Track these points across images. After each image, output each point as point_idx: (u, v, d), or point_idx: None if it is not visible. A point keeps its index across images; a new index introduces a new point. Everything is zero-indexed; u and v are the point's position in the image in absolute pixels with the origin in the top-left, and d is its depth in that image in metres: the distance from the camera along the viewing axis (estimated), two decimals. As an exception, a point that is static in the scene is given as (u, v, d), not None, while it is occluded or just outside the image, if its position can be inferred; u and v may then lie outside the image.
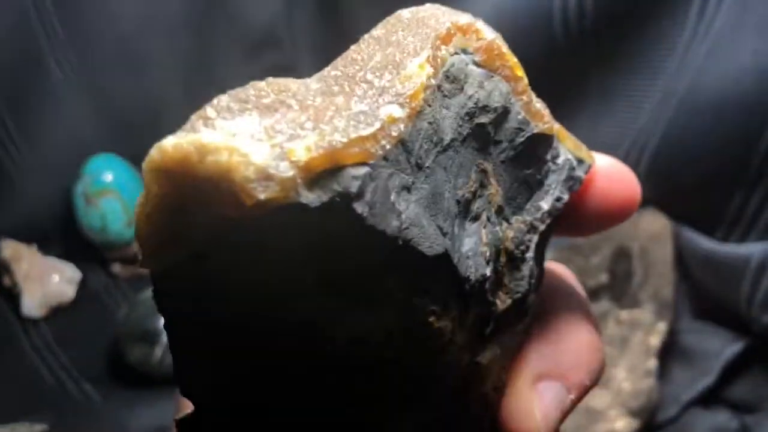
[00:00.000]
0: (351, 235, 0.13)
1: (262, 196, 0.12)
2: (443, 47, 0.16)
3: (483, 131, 0.16)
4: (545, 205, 0.18)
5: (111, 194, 0.58)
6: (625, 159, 0.45)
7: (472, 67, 0.16)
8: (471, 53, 0.16)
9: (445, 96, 0.16)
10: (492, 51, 0.17)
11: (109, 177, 0.58)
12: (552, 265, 0.21)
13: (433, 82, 0.15)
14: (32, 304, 0.58)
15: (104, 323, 0.57)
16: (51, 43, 0.54)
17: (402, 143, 0.14)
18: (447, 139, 0.15)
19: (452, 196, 0.16)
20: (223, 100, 0.14)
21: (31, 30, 0.52)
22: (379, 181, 0.14)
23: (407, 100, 0.14)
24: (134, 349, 0.51)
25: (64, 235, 0.61)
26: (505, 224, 0.17)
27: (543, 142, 0.18)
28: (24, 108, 0.55)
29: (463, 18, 0.17)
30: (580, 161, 0.18)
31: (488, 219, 0.17)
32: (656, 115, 0.42)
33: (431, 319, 0.15)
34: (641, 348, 0.46)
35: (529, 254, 0.18)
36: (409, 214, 0.14)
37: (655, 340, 0.46)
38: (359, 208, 0.13)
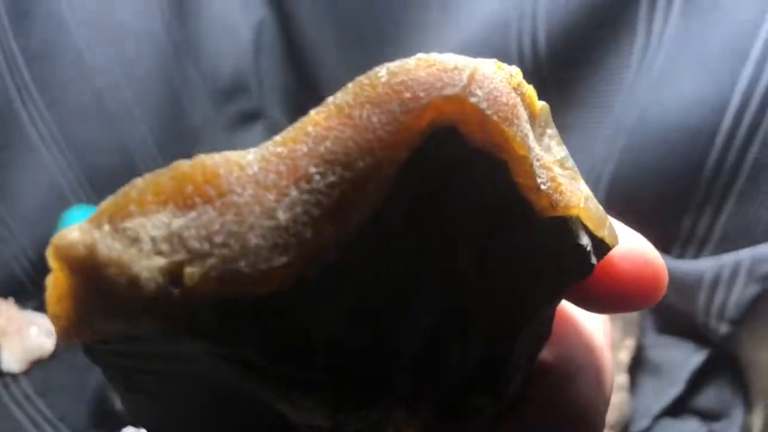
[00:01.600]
0: (253, 360, 0.12)
1: (150, 323, 0.11)
2: (413, 133, 0.13)
3: (463, 222, 0.14)
4: (542, 293, 0.15)
5: (89, 244, 0.58)
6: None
7: (456, 148, 0.13)
8: (457, 131, 0.13)
9: (410, 190, 0.13)
10: (484, 129, 0.13)
11: (86, 228, 0.58)
12: (582, 319, 0.19)
13: (388, 182, 0.12)
14: (11, 359, 0.57)
15: (86, 373, 0.57)
16: (23, 97, 0.55)
17: (331, 267, 0.12)
18: (406, 243, 0.13)
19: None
20: (138, 187, 0.12)
21: (4, 86, 0.53)
22: (290, 310, 0.12)
23: (343, 217, 0.12)
24: (121, 397, 0.51)
25: (40, 286, 0.61)
26: (486, 320, 0.15)
27: (548, 226, 0.15)
28: None
29: (451, 86, 0.13)
30: (599, 243, 0.16)
31: (465, 329, 0.15)
32: (610, 145, 0.46)
33: (359, 427, 0.14)
34: (612, 365, 0.48)
35: (512, 345, 0.16)
36: (334, 337, 0.13)
37: (625, 356, 0.48)
38: (255, 337, 0.12)
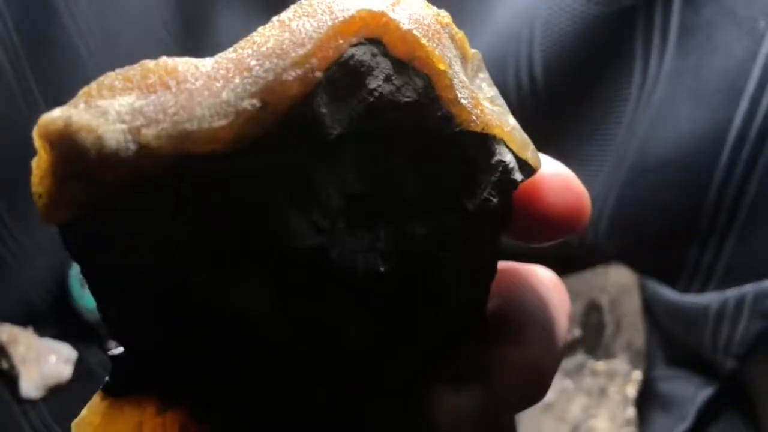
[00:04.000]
0: (202, 222, 0.14)
1: (111, 176, 0.13)
2: (340, 37, 0.15)
3: (389, 126, 0.16)
4: (470, 205, 0.17)
5: (104, 274, 0.60)
6: (586, 219, 0.47)
7: (380, 58, 0.15)
8: (382, 44, 0.15)
9: (339, 88, 0.15)
10: (406, 43, 0.16)
11: (102, 258, 0.60)
12: (536, 273, 0.20)
13: (318, 74, 0.15)
14: (30, 386, 0.59)
15: (101, 400, 0.58)
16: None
17: (263, 137, 0.14)
18: (334, 133, 0.15)
19: (339, 191, 0.15)
20: (110, 77, 0.15)
21: (20, 117, 0.54)
22: (231, 172, 0.14)
23: (273, 94, 0.14)
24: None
25: (59, 315, 0.62)
26: (416, 220, 0.16)
27: (470, 139, 0.17)
28: (16, 192, 0.57)
29: (376, 4, 0.15)
30: (523, 163, 0.18)
31: (393, 214, 0.16)
32: (611, 178, 0.45)
33: (304, 310, 0.15)
34: (619, 397, 0.48)
35: (445, 252, 0.17)
36: (272, 208, 0.14)
37: (632, 389, 0.47)
38: (203, 198, 0.14)
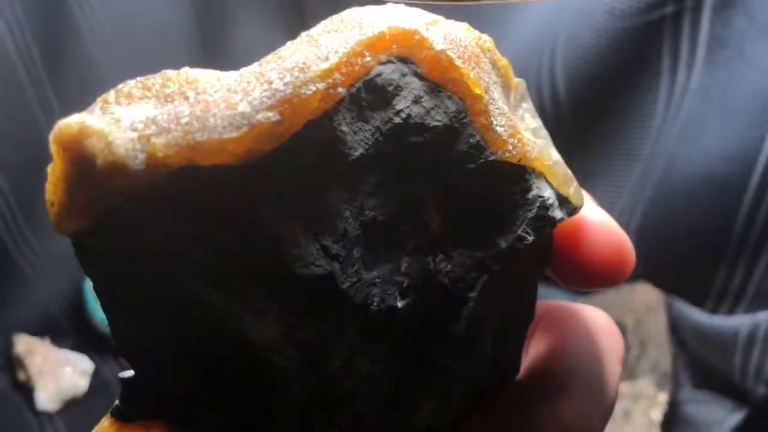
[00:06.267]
0: (210, 238, 0.13)
1: (119, 185, 0.13)
2: (367, 54, 0.14)
3: (416, 151, 0.15)
4: (503, 242, 0.16)
5: (121, 287, 0.60)
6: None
7: (411, 78, 0.14)
8: (413, 63, 0.14)
9: (363, 108, 0.14)
10: (439, 63, 0.15)
11: (118, 271, 0.60)
12: (583, 315, 0.19)
13: (341, 91, 0.14)
14: (46, 399, 0.59)
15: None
16: None
17: (278, 152, 0.13)
18: (354, 154, 0.14)
19: (355, 217, 0.14)
20: (129, 84, 0.14)
21: (38, 129, 0.54)
22: (240, 188, 0.13)
23: (291, 108, 0.13)
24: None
25: (76, 326, 0.63)
26: (441, 256, 0.15)
27: (506, 171, 0.15)
28: (34, 204, 0.57)
29: (409, 22, 0.14)
30: (564, 200, 0.16)
31: (416, 248, 0.15)
32: (636, 195, 0.44)
33: (311, 338, 0.14)
34: (644, 421, 0.46)
35: (472, 294, 0.16)
36: (280, 229, 0.14)
37: (657, 413, 0.46)
38: (210, 213, 0.13)
